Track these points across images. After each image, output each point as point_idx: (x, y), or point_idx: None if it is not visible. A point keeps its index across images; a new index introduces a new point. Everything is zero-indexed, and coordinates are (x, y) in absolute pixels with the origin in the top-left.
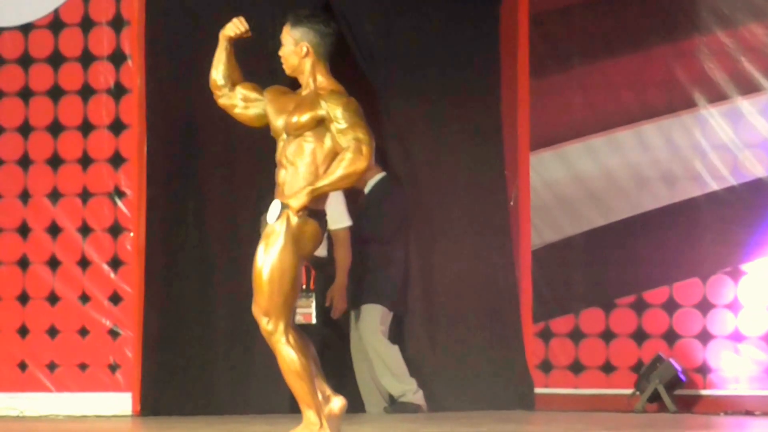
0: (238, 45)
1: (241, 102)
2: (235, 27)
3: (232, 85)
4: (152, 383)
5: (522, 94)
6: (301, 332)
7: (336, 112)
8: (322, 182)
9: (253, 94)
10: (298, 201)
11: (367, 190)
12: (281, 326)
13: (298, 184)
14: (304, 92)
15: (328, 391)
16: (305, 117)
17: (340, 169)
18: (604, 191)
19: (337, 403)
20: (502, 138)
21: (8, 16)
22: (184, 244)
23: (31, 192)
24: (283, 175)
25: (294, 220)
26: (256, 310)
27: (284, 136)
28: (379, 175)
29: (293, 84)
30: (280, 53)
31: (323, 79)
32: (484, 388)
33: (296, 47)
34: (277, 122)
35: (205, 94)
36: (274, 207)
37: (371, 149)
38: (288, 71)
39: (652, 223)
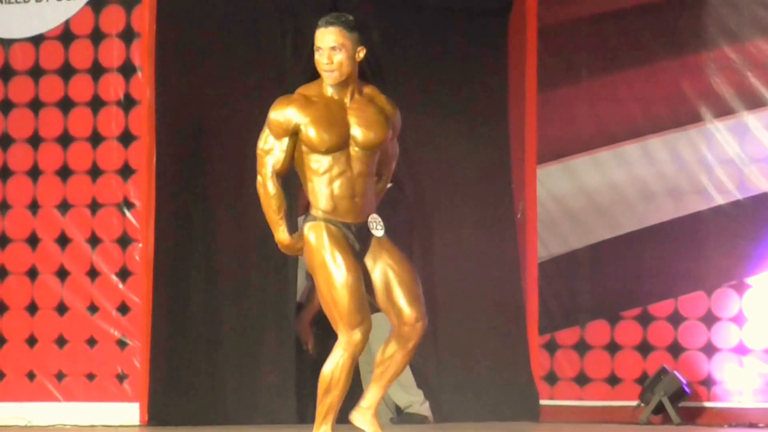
0: (240, 51)
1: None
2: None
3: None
4: (160, 393)
5: (529, 107)
6: None
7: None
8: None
9: (288, 154)
10: None
11: None
12: None
13: (372, 196)
14: (347, 99)
15: None
16: (389, 133)
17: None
18: (610, 205)
19: None
20: (509, 151)
21: (19, 28)
22: (193, 255)
23: (40, 203)
24: (361, 186)
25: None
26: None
27: (355, 148)
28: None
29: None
30: (337, 60)
31: (364, 84)
32: (490, 400)
33: (356, 53)
34: (339, 136)
35: (214, 105)
36: (379, 222)
37: None
38: (338, 79)
39: (657, 236)
